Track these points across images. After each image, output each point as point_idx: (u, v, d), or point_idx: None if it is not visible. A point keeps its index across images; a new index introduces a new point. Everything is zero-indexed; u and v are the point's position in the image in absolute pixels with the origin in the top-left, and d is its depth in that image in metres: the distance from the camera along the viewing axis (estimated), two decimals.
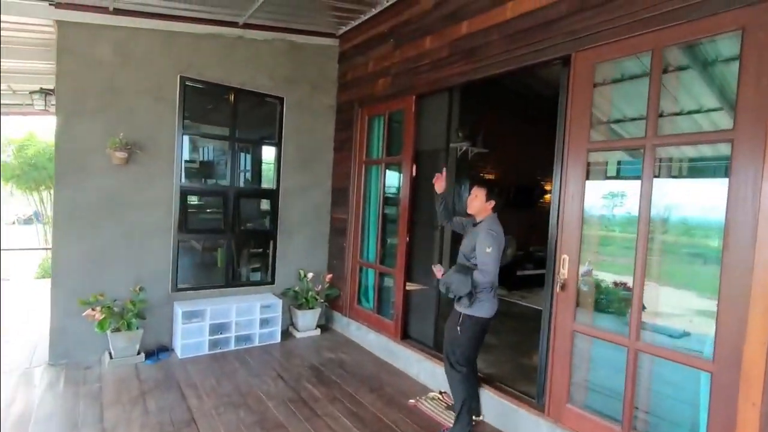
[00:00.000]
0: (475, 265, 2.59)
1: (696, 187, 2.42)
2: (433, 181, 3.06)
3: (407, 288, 3.90)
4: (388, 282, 4.15)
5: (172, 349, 3.91)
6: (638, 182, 2.20)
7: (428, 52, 3.56)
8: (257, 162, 4.70)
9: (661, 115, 2.15)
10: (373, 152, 4.37)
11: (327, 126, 4.83)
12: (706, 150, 2.31)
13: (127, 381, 3.30)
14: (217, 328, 3.98)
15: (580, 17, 2.44)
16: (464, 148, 6.20)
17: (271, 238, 4.56)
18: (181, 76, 3.88)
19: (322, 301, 4.62)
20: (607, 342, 2.37)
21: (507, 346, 4.25)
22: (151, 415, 2.83)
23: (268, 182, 4.64)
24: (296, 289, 4.55)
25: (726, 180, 1.90)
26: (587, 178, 2.44)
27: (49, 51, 4.08)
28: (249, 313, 4.15)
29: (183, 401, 3.02)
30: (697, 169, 2.37)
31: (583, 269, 2.51)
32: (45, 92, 5.13)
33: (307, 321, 4.54)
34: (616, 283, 2.56)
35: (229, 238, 4.27)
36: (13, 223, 16.31)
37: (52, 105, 4.79)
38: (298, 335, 4.47)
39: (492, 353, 3.89)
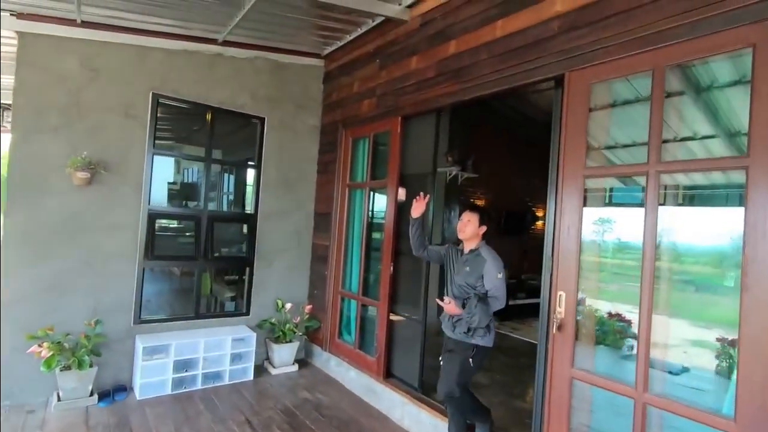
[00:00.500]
0: (484, 294, 2.53)
1: (701, 215, 2.21)
2: (414, 202, 2.88)
3: (392, 320, 3.61)
4: (372, 314, 3.85)
5: (132, 389, 3.55)
6: (639, 210, 2.00)
7: (414, 73, 3.39)
8: (234, 184, 4.46)
9: (665, 141, 1.95)
10: (358, 175, 4.15)
11: (310, 147, 4.63)
12: (705, 177, 2.11)
13: (73, 428, 2.93)
14: (183, 365, 3.63)
15: (573, 35, 2.28)
16: (454, 172, 6.03)
17: (247, 265, 4.27)
18: (153, 93, 3.66)
19: (300, 334, 4.29)
20: (612, 392, 2.10)
21: (499, 385, 3.94)
22: None
23: (245, 206, 4.39)
24: (273, 320, 4.23)
25: (732, 209, 1.70)
26: (584, 205, 2.22)
27: (13, 65, 3.86)
28: (219, 348, 3.81)
29: None
30: (703, 198, 2.17)
31: (582, 304, 2.26)
32: (4, 108, 4.87)
33: (283, 356, 4.20)
34: (619, 318, 2.31)
35: (201, 265, 3.97)
36: None
37: (8, 122, 4.55)
38: (274, 371, 4.13)
39: (484, 394, 3.57)
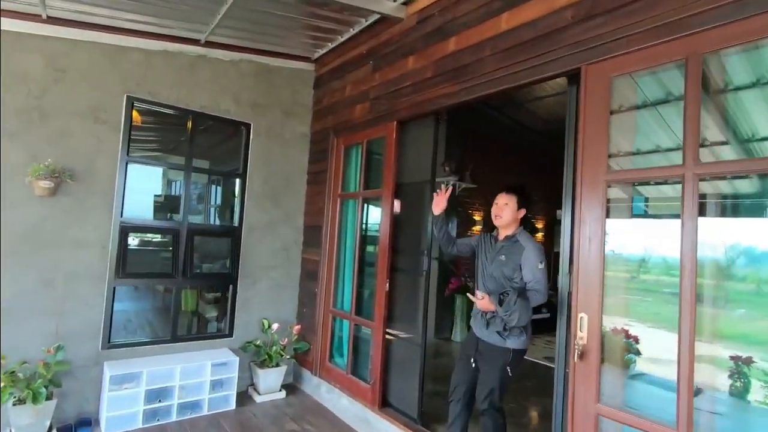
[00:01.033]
0: (523, 288, 2.28)
1: (748, 226, 1.94)
2: (434, 197, 2.65)
3: (388, 342, 3.29)
4: (366, 335, 3.53)
5: (98, 423, 3.17)
6: (671, 221, 1.73)
7: (410, 73, 3.14)
8: (217, 196, 4.16)
9: (702, 145, 1.69)
10: (350, 185, 3.87)
11: (300, 156, 4.35)
12: (752, 184, 1.85)
13: None
14: (156, 395, 3.27)
15: (591, 24, 2.04)
16: (451, 182, 5.76)
17: (230, 282, 3.93)
18: (128, 96, 3.37)
19: (288, 357, 3.95)
20: None
21: (512, 416, 3.60)
22: None
23: (229, 218, 4.08)
24: (258, 342, 3.89)
25: None
26: (607, 216, 1.95)
27: None
28: (197, 375, 3.45)
29: None
30: (745, 207, 1.90)
31: (608, 328, 1.97)
32: None
33: (270, 381, 3.84)
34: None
35: (179, 283, 3.63)
36: None
37: None
38: (259, 399, 3.76)
39: None
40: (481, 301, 2.34)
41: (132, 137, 3.43)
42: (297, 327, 4.01)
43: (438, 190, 2.65)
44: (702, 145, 1.68)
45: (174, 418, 3.31)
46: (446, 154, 5.92)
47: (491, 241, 2.54)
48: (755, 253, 1.82)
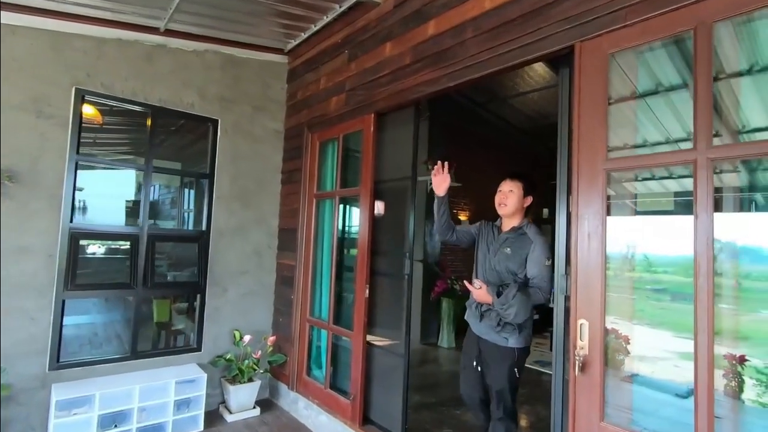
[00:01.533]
0: (525, 282, 2.16)
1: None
2: (432, 177, 2.41)
3: (370, 353, 3.02)
4: (346, 346, 3.26)
5: None
6: (684, 217, 1.52)
7: (388, 61, 2.90)
8: (191, 199, 3.85)
9: (716, 136, 1.48)
10: (327, 184, 3.60)
11: (273, 154, 4.06)
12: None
13: None
14: (111, 420, 2.94)
15: None
16: None
17: (197, 291, 3.62)
18: (77, 89, 3.05)
19: (262, 371, 3.65)
20: None
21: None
22: None
23: (195, 222, 3.77)
24: (229, 356, 3.58)
25: None
26: (609, 210, 1.73)
27: None
28: (160, 394, 3.12)
29: None
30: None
31: (612, 335, 1.75)
32: None
33: (242, 398, 3.54)
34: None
35: (139, 293, 3.30)
36: None
37: None
38: (230, 418, 3.45)
39: None
40: (479, 290, 2.19)
41: (99, 139, 3.11)
42: (272, 338, 3.71)
43: (437, 166, 2.42)
44: (716, 135, 1.47)
45: None
46: (429, 151, 5.70)
47: (494, 231, 2.39)
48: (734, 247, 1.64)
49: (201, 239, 3.63)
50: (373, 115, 3.00)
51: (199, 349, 3.60)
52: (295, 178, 3.84)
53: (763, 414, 1.60)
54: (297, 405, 3.55)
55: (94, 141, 4.93)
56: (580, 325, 1.74)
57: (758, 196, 1.71)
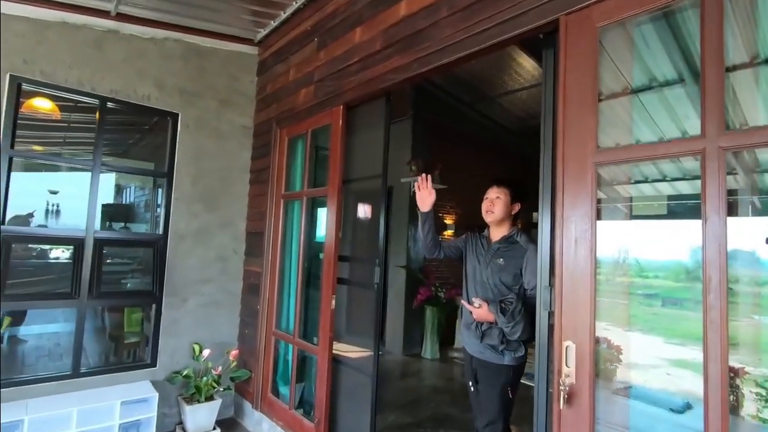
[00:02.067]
0: (522, 294, 2.03)
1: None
2: (416, 191, 2.29)
3: (336, 369, 2.73)
4: (312, 362, 2.96)
5: None
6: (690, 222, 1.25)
7: (358, 48, 2.63)
8: (154, 200, 3.54)
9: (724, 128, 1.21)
10: (296, 184, 3.31)
11: (240, 152, 3.76)
12: None
13: None
14: None
15: None
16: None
17: (153, 301, 3.30)
18: (11, 76, 2.74)
19: (223, 389, 3.33)
20: None
21: None
22: None
23: (150, 225, 3.45)
24: (186, 372, 3.26)
25: None
26: (599, 213, 1.46)
27: None
28: (103, 417, 2.80)
29: None
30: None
31: (604, 361, 1.47)
32: None
33: (200, 419, 3.21)
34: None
35: (83, 304, 2.97)
36: None
37: None
38: None
39: None
40: (479, 309, 2.02)
41: (17, 125, 2.79)
42: (234, 352, 3.40)
43: (421, 177, 2.30)
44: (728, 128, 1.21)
45: None
46: (413, 151, 5.44)
47: (483, 242, 2.23)
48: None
49: (157, 244, 3.31)
50: (341, 107, 2.72)
51: (153, 364, 3.27)
52: (264, 177, 3.54)
53: (764, 431, 1.37)
54: (261, 426, 3.24)
55: (64, 140, 4.62)
56: (566, 347, 1.46)
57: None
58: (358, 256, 2.81)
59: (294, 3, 3.20)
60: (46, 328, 4.34)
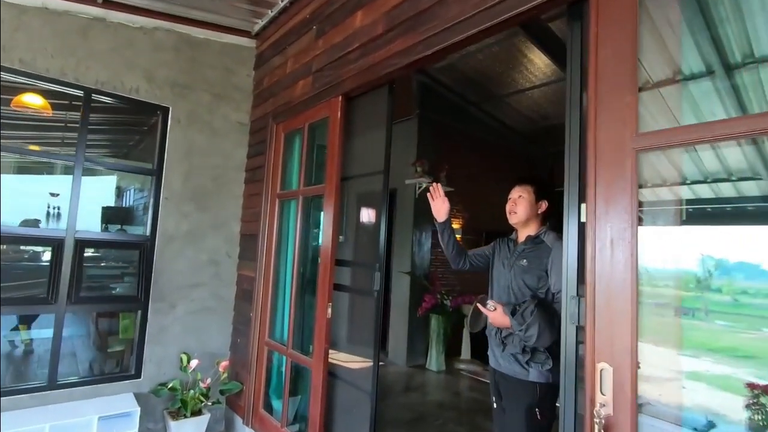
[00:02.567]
0: (547, 297, 1.80)
1: None
2: (430, 200, 2.15)
3: (332, 382, 2.48)
4: (307, 374, 2.72)
5: None
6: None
7: (359, 33, 2.42)
8: (135, 200, 3.34)
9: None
10: (292, 183, 3.09)
11: (235, 149, 3.55)
12: None
13: None
14: None
15: None
16: (424, 185, 5.05)
17: (138, 307, 3.08)
18: None
19: (212, 402, 3.09)
20: None
21: None
22: None
23: (137, 225, 3.25)
24: (172, 384, 3.03)
25: None
26: (641, 223, 1.21)
27: None
28: None
29: None
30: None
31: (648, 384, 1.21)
32: None
33: None
34: None
35: (61, 310, 2.76)
36: None
37: None
38: None
39: None
40: (494, 313, 1.81)
41: (68, 139, 2.60)
42: (224, 363, 3.16)
43: (434, 185, 2.19)
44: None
45: None
46: (419, 152, 5.21)
47: (510, 246, 2.05)
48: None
49: (144, 246, 3.10)
50: (340, 98, 2.50)
51: (138, 375, 3.05)
52: (259, 176, 3.32)
53: None
54: None
55: (62, 141, 4.46)
56: (600, 371, 1.21)
57: None
58: (357, 261, 2.58)
59: None
60: (47, 333, 4.15)
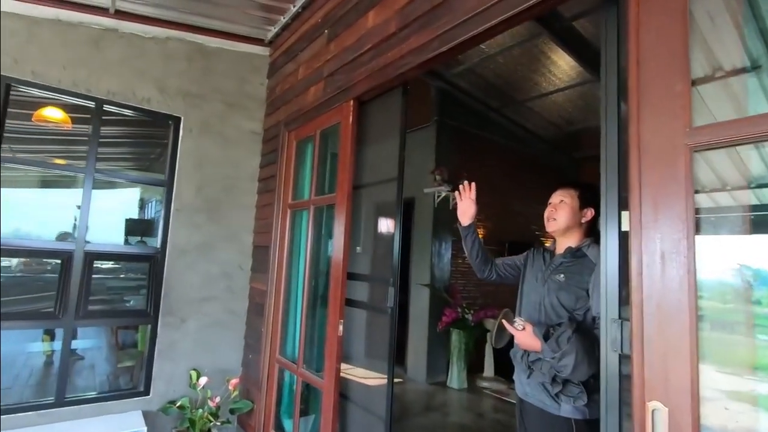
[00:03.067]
0: (587, 321, 1.54)
1: None
2: (457, 201, 1.96)
3: (343, 404, 2.31)
4: (318, 393, 2.55)
5: None
6: None
7: (371, 33, 2.29)
8: (156, 212, 3.30)
9: None
10: (303, 192, 2.98)
11: (248, 159, 3.48)
12: None
13: None
14: None
15: None
16: (443, 194, 4.87)
17: (148, 321, 3.00)
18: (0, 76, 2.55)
19: (221, 422, 2.96)
20: None
21: None
22: None
23: (147, 237, 3.19)
24: (181, 402, 2.92)
25: None
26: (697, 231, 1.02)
27: None
28: None
29: None
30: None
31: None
32: None
33: None
34: None
35: (69, 325, 2.70)
36: None
37: None
38: None
39: None
40: (521, 332, 1.57)
41: (4, 129, 2.58)
42: (234, 381, 3.03)
43: (464, 185, 1.97)
44: None
45: None
46: (437, 160, 5.05)
47: (546, 257, 1.82)
48: None
49: (154, 258, 3.03)
50: (352, 102, 2.38)
51: (146, 392, 2.95)
52: (272, 186, 3.23)
53: None
54: None
55: (84, 154, 4.52)
56: (652, 412, 1.01)
57: None
58: (369, 275, 2.42)
59: None
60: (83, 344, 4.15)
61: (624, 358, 1.15)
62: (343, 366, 2.32)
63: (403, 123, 2.22)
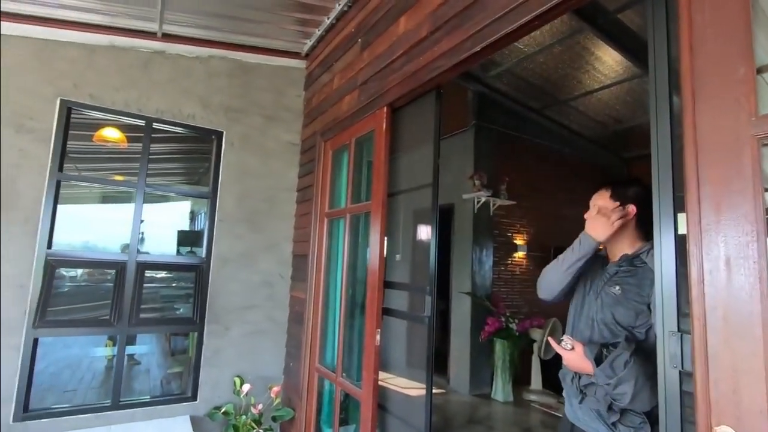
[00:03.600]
0: (649, 339, 1.31)
1: None
2: (590, 213, 1.57)
3: (383, 416, 2.27)
4: (357, 403, 2.52)
5: None
6: None
7: (403, 38, 2.28)
8: (178, 220, 3.45)
9: None
10: (340, 200, 2.99)
11: (287, 170, 3.55)
12: None
13: None
14: None
15: None
16: (483, 199, 4.74)
17: (193, 329, 3.11)
18: (62, 100, 2.76)
19: (263, 430, 3.00)
20: None
21: None
22: None
23: (196, 248, 3.32)
24: (226, 409, 2.99)
25: None
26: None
27: None
28: None
29: None
30: None
31: None
32: None
33: None
34: None
35: (123, 331, 2.85)
36: None
37: None
38: None
39: None
40: (570, 353, 1.39)
41: (65, 148, 2.79)
42: (276, 388, 3.07)
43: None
44: None
45: None
46: (476, 164, 4.93)
47: (599, 265, 1.57)
48: None
49: (200, 268, 3.15)
50: (385, 108, 2.36)
51: (194, 398, 3.06)
52: (309, 195, 3.27)
53: None
54: None
55: (137, 170, 4.84)
56: None
57: None
58: (406, 283, 2.37)
59: (337, 5, 2.96)
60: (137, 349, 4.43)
61: (685, 376, 1.03)
62: (382, 375, 2.28)
63: (437, 127, 2.17)
